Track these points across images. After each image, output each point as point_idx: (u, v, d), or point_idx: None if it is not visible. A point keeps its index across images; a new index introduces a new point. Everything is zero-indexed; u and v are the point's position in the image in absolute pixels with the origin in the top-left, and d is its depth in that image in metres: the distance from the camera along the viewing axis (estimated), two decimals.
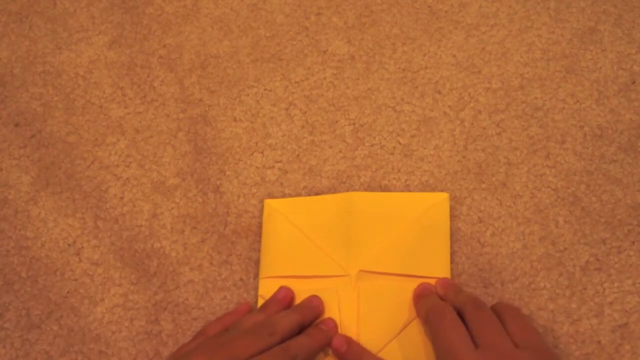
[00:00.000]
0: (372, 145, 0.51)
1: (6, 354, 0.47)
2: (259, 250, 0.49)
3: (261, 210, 0.50)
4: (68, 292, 0.48)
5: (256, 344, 0.40)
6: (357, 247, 0.47)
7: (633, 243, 0.47)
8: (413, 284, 0.46)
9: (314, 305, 0.45)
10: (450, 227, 0.48)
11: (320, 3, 0.56)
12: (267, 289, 0.47)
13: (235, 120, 0.53)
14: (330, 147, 0.52)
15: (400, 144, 0.51)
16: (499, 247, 0.47)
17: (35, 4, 0.58)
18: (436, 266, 0.46)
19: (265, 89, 0.54)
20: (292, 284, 0.46)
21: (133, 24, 0.57)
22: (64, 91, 0.55)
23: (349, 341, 0.44)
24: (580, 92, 0.52)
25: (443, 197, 0.48)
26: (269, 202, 0.50)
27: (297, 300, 0.46)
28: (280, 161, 0.51)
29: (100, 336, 0.47)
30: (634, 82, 0.52)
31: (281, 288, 0.46)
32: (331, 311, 0.45)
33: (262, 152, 0.52)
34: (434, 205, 0.48)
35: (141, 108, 0.54)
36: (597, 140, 0.50)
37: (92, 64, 0.56)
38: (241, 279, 0.48)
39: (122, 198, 0.51)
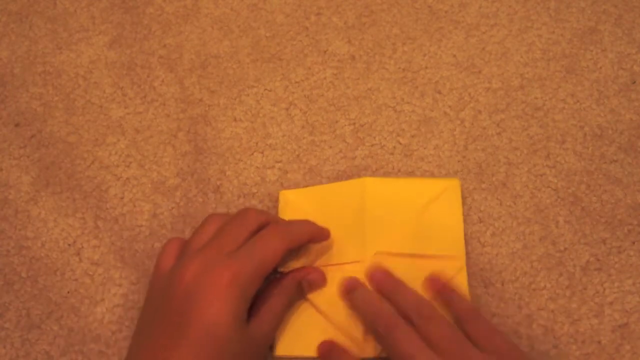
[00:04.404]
0: (372, 145, 0.51)
1: (6, 354, 0.47)
2: None
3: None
4: (68, 292, 0.48)
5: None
6: (372, 231, 0.47)
7: (633, 243, 0.47)
8: (427, 263, 0.46)
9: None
10: None
11: (320, 3, 0.56)
12: None
13: (235, 120, 0.53)
14: (330, 147, 0.52)
15: (400, 144, 0.51)
16: (499, 247, 0.47)
17: (35, 4, 0.58)
18: (450, 244, 0.47)
19: (266, 89, 0.54)
20: None
21: (133, 24, 0.57)
22: (64, 91, 0.55)
23: (331, 344, 0.44)
24: (580, 92, 0.52)
25: (454, 182, 0.49)
26: (285, 193, 0.50)
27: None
28: (281, 161, 0.51)
29: (101, 336, 0.47)
30: (634, 82, 0.52)
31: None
32: None
33: (262, 152, 0.52)
34: (446, 190, 0.48)
35: (141, 108, 0.54)
36: (597, 140, 0.50)
37: (92, 64, 0.56)
38: None
39: (122, 198, 0.51)
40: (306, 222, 0.45)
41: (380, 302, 0.43)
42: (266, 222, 0.44)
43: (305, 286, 0.45)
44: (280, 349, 0.45)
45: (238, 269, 0.39)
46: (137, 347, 0.40)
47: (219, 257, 0.40)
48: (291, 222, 0.46)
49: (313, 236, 0.45)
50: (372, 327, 0.42)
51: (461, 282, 0.46)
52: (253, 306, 0.42)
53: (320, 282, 0.45)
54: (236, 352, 0.38)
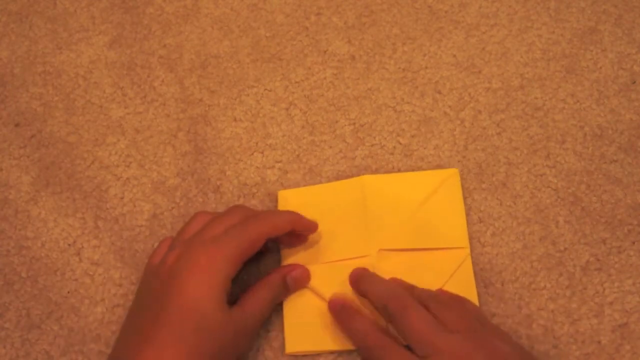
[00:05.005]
0: (372, 145, 0.51)
1: (6, 354, 0.47)
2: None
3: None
4: (68, 292, 0.48)
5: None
6: (375, 227, 0.47)
7: (633, 243, 0.47)
8: (432, 256, 0.46)
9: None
10: None
11: (320, 3, 0.56)
12: None
13: (235, 120, 0.53)
14: (330, 147, 0.52)
15: (400, 144, 0.51)
16: (499, 247, 0.47)
17: (35, 4, 0.58)
18: (453, 235, 0.47)
19: (266, 89, 0.54)
20: (316, 270, 0.46)
21: (133, 24, 0.57)
22: (64, 91, 0.55)
23: (343, 301, 0.44)
24: (580, 92, 0.52)
25: (453, 172, 0.49)
26: (283, 193, 0.50)
27: (329, 286, 0.46)
28: (280, 161, 0.51)
29: (101, 336, 0.47)
30: (634, 82, 0.52)
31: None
32: None
33: (262, 152, 0.52)
34: (445, 180, 0.49)
35: (141, 108, 0.54)
36: (597, 140, 0.50)
37: (92, 64, 0.56)
38: (242, 279, 0.48)
39: (122, 198, 0.51)
40: (288, 212, 0.46)
41: (394, 284, 0.44)
42: (251, 215, 0.44)
43: (289, 282, 0.45)
44: (290, 346, 0.45)
45: (215, 251, 0.41)
46: (119, 340, 0.42)
47: (198, 243, 0.41)
48: (272, 211, 0.46)
49: (295, 224, 0.45)
50: (384, 309, 0.41)
51: (466, 271, 0.46)
52: (240, 298, 0.43)
53: (304, 278, 0.46)
54: (214, 329, 0.39)
